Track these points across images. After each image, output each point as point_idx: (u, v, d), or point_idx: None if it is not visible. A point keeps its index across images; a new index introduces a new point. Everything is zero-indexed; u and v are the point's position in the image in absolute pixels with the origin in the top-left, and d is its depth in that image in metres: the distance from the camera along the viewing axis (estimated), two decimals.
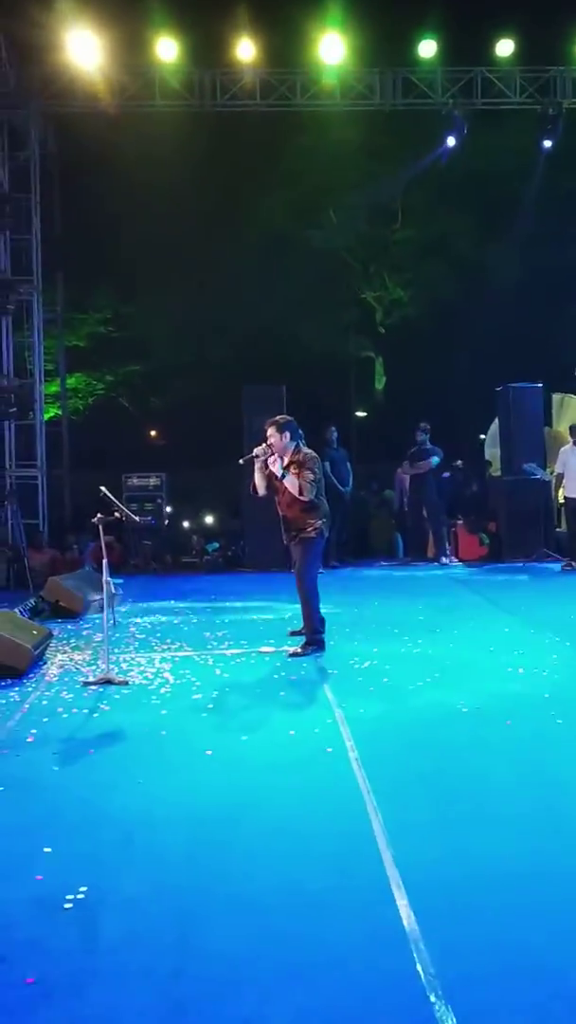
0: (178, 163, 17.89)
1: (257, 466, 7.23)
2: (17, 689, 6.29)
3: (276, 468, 7.07)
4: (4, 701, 5.99)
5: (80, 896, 3.20)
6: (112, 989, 2.66)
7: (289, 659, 6.94)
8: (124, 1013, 2.54)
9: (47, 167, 14.75)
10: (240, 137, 17.17)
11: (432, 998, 2.54)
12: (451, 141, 14.79)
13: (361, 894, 3.17)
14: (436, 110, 14.51)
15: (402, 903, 3.08)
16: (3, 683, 6.40)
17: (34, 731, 5.25)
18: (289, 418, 7.42)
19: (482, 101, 14.33)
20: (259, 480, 7.26)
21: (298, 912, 3.05)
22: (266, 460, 7.19)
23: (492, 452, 15.54)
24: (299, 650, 7.07)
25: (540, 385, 13.99)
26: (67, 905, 3.15)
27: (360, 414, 25.40)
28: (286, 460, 7.13)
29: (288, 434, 7.19)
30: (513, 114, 15.30)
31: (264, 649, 7.33)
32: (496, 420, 15.00)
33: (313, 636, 7.14)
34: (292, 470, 7.07)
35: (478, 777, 4.31)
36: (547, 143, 14.92)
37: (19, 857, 3.57)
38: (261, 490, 7.31)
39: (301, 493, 6.99)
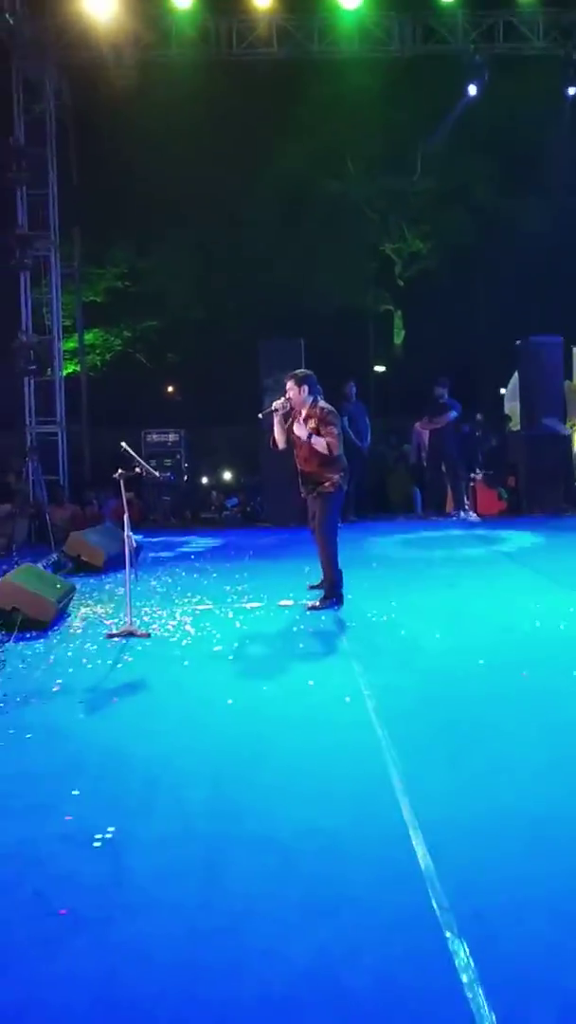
0: (195, 114, 17.69)
1: (276, 420, 7.28)
2: (43, 642, 6.44)
3: (302, 432, 7.10)
4: (30, 653, 6.13)
5: (108, 835, 3.34)
6: (140, 920, 2.80)
7: (308, 612, 7.04)
8: (151, 942, 2.67)
9: (63, 120, 14.60)
10: (257, 86, 16.90)
11: (447, 933, 2.65)
12: (473, 90, 14.52)
13: (378, 835, 3.28)
14: (457, 56, 14.23)
15: (418, 843, 3.19)
16: (29, 636, 6.54)
17: (59, 681, 5.39)
18: (308, 372, 7.46)
19: (504, 46, 14.04)
20: (278, 434, 7.31)
21: (317, 852, 3.17)
22: (285, 414, 7.24)
23: (511, 406, 15.49)
24: (318, 604, 7.17)
25: (560, 339, 13.88)
26: (96, 843, 3.29)
27: (379, 368, 25.28)
28: (304, 414, 7.18)
29: (307, 388, 7.23)
30: (536, 60, 14.98)
31: (283, 603, 7.43)
32: (516, 374, 14.92)
33: (332, 590, 7.23)
34: (311, 425, 7.11)
35: (493, 727, 4.41)
36: (572, 90, 14.60)
37: (49, 799, 3.71)
38: (281, 444, 7.36)
39: (330, 451, 7.04)
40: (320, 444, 7.04)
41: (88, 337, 20.82)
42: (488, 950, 2.56)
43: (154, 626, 6.74)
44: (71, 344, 18.16)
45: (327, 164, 21.32)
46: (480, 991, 2.39)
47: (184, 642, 6.29)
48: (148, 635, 6.43)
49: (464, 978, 2.44)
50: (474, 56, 13.97)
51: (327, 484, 7.18)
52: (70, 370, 17.93)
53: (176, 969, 2.55)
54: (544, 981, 2.44)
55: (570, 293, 18.53)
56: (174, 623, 6.86)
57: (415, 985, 2.44)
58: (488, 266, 22.01)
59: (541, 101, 17.14)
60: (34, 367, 13.62)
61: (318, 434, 7.06)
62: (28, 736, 4.49)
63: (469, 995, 2.38)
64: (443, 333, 21.83)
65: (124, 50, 13.52)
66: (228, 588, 8.25)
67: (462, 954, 2.55)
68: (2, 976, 2.56)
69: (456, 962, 2.52)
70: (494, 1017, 2.30)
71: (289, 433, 7.28)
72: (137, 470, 7.06)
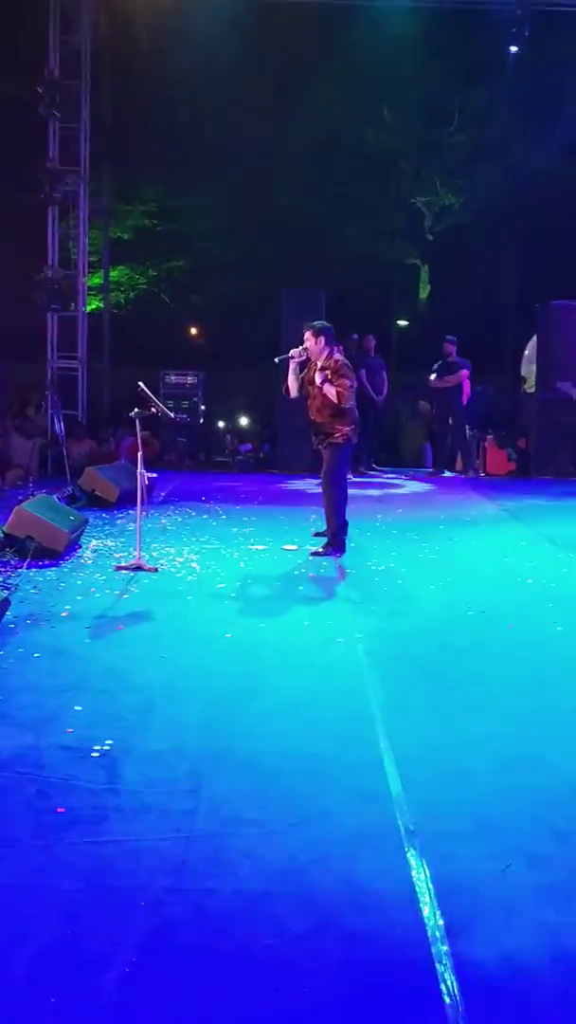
0: (231, 56, 17.47)
1: (291, 367, 7.44)
2: (54, 570, 6.71)
3: (318, 377, 7.25)
4: (42, 579, 6.40)
5: (106, 748, 3.62)
6: (131, 821, 3.08)
7: (311, 558, 7.27)
8: (140, 841, 2.95)
9: (99, 53, 14.49)
10: (295, 31, 16.69)
11: (408, 850, 2.92)
12: (513, 49, 14.36)
13: (355, 762, 3.55)
14: (498, 9, 14.05)
15: (391, 772, 3.46)
16: (42, 563, 6.81)
17: (68, 607, 5.67)
18: (327, 324, 7.59)
19: (545, 2, 13.84)
20: (292, 382, 7.48)
21: (297, 772, 3.44)
22: (301, 363, 7.39)
23: (528, 368, 15.51)
24: (320, 550, 7.40)
25: None
26: (94, 754, 3.57)
27: (402, 323, 25.19)
28: (320, 364, 7.33)
29: (324, 339, 7.37)
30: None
31: (287, 547, 7.67)
32: (535, 337, 14.94)
33: (335, 538, 7.45)
34: (327, 377, 7.26)
35: (474, 673, 4.65)
36: None
37: (53, 713, 3.99)
38: (294, 392, 7.53)
39: (340, 401, 7.20)
40: (331, 392, 7.20)
41: (113, 274, 20.84)
42: (444, 867, 2.83)
43: (162, 561, 6.99)
44: (96, 280, 18.21)
45: (362, 112, 21.06)
46: (433, 900, 2.65)
47: (189, 578, 6.55)
48: (155, 570, 6.68)
49: (419, 887, 2.71)
50: (515, 10, 13.78)
51: (337, 436, 7.36)
52: (93, 306, 18.01)
53: (162, 865, 2.83)
54: (491, 897, 2.70)
55: None
56: (181, 560, 7.11)
57: (375, 889, 2.71)
58: (519, 227, 21.80)
59: None
60: (57, 302, 13.74)
61: (332, 384, 7.22)
62: (36, 655, 4.77)
63: (423, 901, 2.64)
64: (469, 291, 21.70)
65: None
66: (235, 530, 8.49)
67: (420, 868, 2.81)
68: (5, 862, 2.85)
69: (414, 874, 2.78)
70: (443, 923, 2.56)
71: (304, 383, 7.44)
72: (153, 410, 7.25)
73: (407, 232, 24.21)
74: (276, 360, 7.77)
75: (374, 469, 13.45)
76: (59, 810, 3.14)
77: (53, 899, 2.64)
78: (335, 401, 7.20)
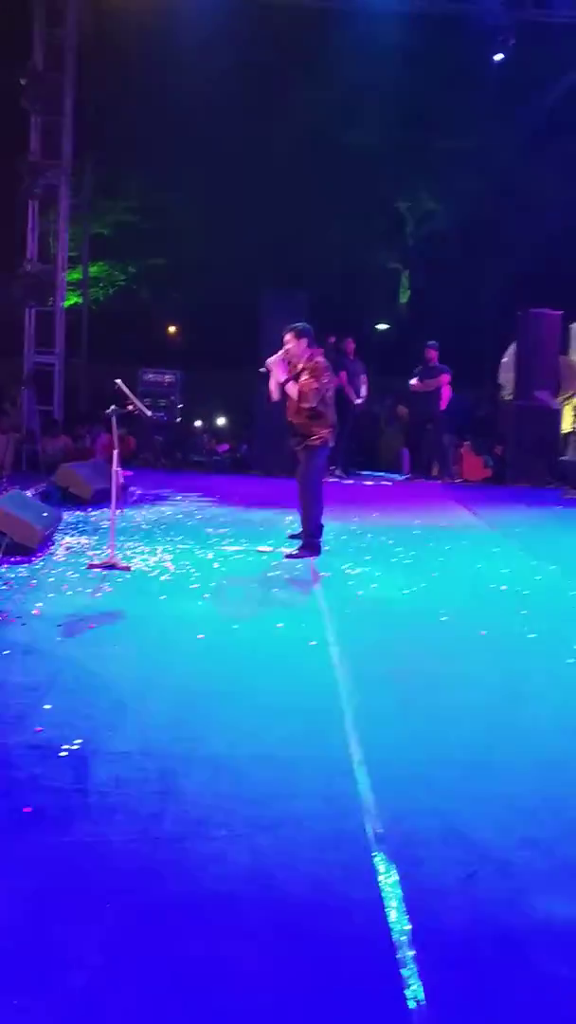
0: (217, 55, 17.47)
1: (273, 370, 7.44)
2: (26, 566, 6.66)
3: (281, 373, 7.25)
4: (14, 576, 6.36)
5: (75, 747, 3.59)
6: (98, 822, 3.05)
7: (285, 560, 7.27)
8: (107, 842, 2.93)
9: (83, 48, 14.42)
10: (282, 31, 16.73)
11: (375, 854, 2.92)
12: (498, 57, 14.45)
13: (325, 766, 3.54)
14: (483, 17, 14.13)
15: (361, 777, 3.45)
16: (14, 560, 6.76)
17: (40, 604, 5.63)
18: (307, 326, 7.59)
19: (532, 12, 13.94)
20: (273, 385, 7.48)
21: (266, 776, 3.43)
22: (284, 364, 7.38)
23: (506, 376, 15.62)
24: (295, 552, 7.40)
25: (560, 312, 13.98)
26: (63, 753, 3.54)
27: (382, 327, 25.28)
28: (300, 366, 7.33)
29: (305, 341, 7.38)
30: (562, 28, 14.88)
31: (262, 548, 7.66)
32: (514, 344, 15.03)
33: (310, 540, 7.45)
34: (303, 378, 7.26)
35: (445, 678, 4.66)
36: None
37: (22, 711, 3.96)
38: (275, 395, 7.53)
39: (301, 400, 7.19)
40: (292, 390, 7.20)
41: (92, 270, 20.77)
42: (411, 871, 2.82)
43: (135, 560, 6.96)
44: (75, 276, 18.13)
45: (347, 114, 21.12)
46: (400, 905, 2.65)
47: (163, 578, 6.52)
48: (129, 568, 6.65)
49: (386, 892, 2.71)
50: (501, 19, 13.87)
51: (315, 439, 7.36)
52: (72, 302, 17.92)
53: (128, 867, 2.81)
54: (457, 903, 2.70)
55: None
56: (155, 559, 7.09)
57: (342, 893, 2.70)
58: (500, 234, 21.91)
59: (570, 72, 17.01)
60: (36, 297, 13.66)
61: (294, 383, 7.21)
62: (6, 652, 4.73)
63: (390, 906, 2.64)
64: (449, 297, 21.80)
65: None
66: (210, 531, 8.46)
67: (387, 872, 2.81)
68: None
69: (381, 878, 2.78)
70: (409, 927, 2.56)
71: (282, 385, 7.43)
72: (130, 408, 7.22)
73: (389, 236, 24.28)
74: (261, 371, 7.71)
75: (347, 474, 13.37)
76: (26, 809, 3.11)
77: (17, 899, 2.62)
78: (295, 399, 7.20)
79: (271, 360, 7.42)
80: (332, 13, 15.41)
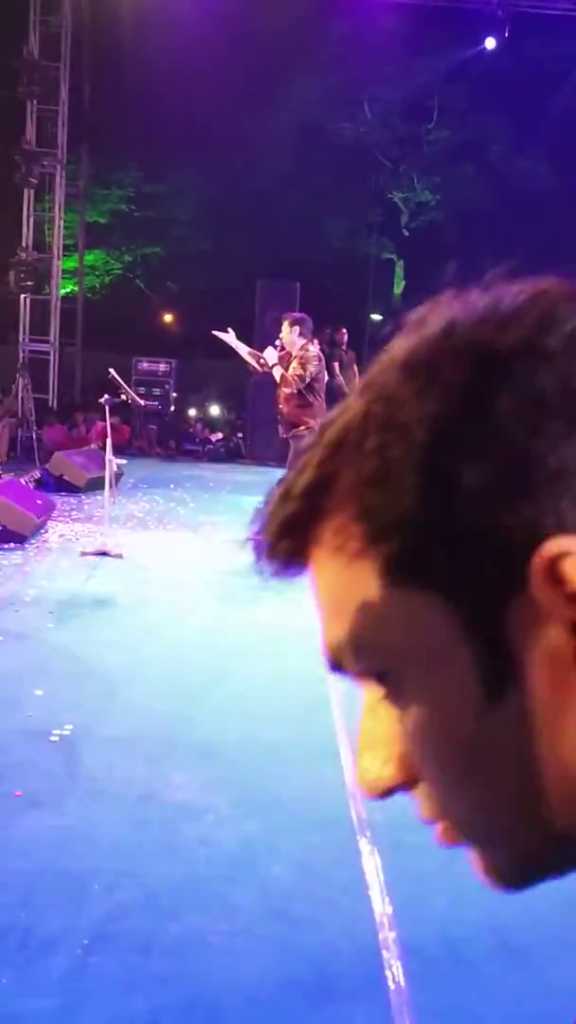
0: (214, 44, 17.41)
1: (237, 346, 7.49)
2: (20, 553, 6.69)
3: (272, 356, 7.30)
4: (7, 563, 6.39)
5: (66, 732, 3.63)
6: (87, 806, 3.10)
7: None
8: (97, 825, 2.98)
9: (79, 36, 14.38)
10: (279, 21, 16.66)
11: (360, 837, 2.97)
12: (490, 43, 14.44)
13: (311, 752, 3.60)
14: (479, 9, 14.13)
15: (347, 762, 3.50)
16: (7, 547, 6.79)
17: (33, 591, 5.67)
18: (303, 315, 7.63)
19: (527, 4, 13.94)
20: (256, 361, 7.51)
21: (254, 761, 3.49)
22: (281, 355, 7.42)
23: None
24: None
25: None
26: (53, 738, 3.58)
27: (375, 317, 25.27)
28: (293, 354, 7.36)
29: (298, 330, 7.41)
30: (558, 20, 14.88)
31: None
32: None
33: None
34: (294, 367, 7.29)
35: None
36: None
37: (13, 696, 4.00)
38: (257, 368, 7.55)
39: (282, 383, 7.23)
40: (276, 373, 7.25)
41: (88, 258, 20.73)
42: (393, 855, 2.88)
43: (128, 547, 7.00)
44: (71, 264, 18.11)
45: (343, 105, 21.08)
46: (382, 888, 2.70)
47: (155, 565, 6.56)
48: (121, 555, 6.69)
49: (369, 875, 2.77)
50: (496, 11, 13.87)
51: (303, 428, 7.39)
52: (68, 289, 17.91)
53: (117, 849, 2.86)
54: (438, 886, 2.76)
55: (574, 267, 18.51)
56: (147, 546, 7.13)
57: (326, 876, 2.76)
58: (496, 225, 21.92)
59: (565, 64, 17.01)
60: (31, 284, 13.66)
61: (280, 366, 7.26)
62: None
63: (373, 889, 2.70)
64: (444, 288, 21.79)
65: None
66: (203, 519, 8.51)
67: (370, 854, 2.87)
68: None
69: (364, 862, 2.84)
70: (390, 911, 2.61)
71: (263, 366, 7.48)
72: (123, 397, 7.26)
73: (384, 227, 24.26)
74: (260, 368, 7.71)
75: None
76: (16, 793, 3.16)
77: (7, 881, 2.66)
78: (279, 381, 7.24)
79: (268, 355, 7.46)
80: (329, 3, 15.38)
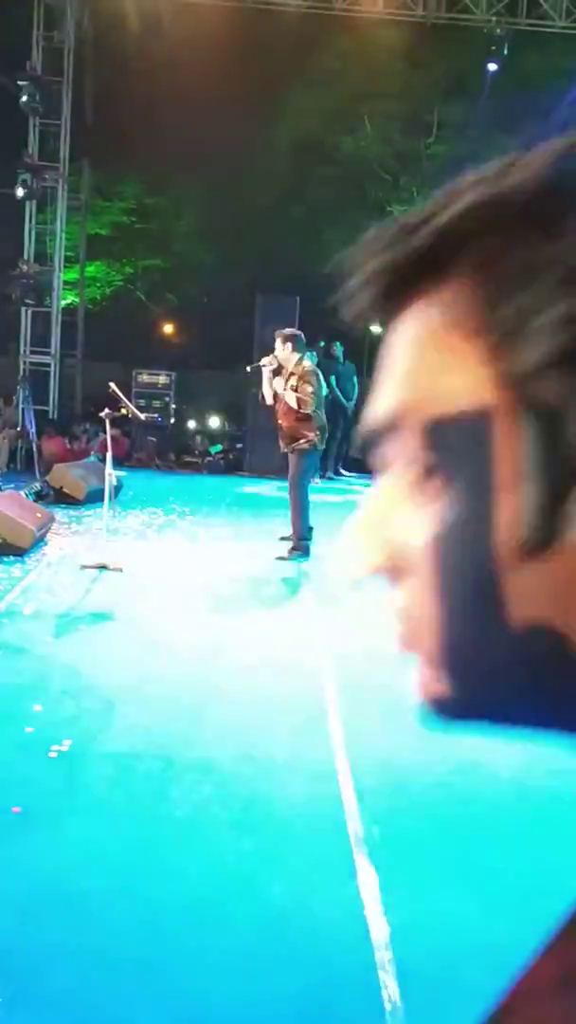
0: (215, 57, 17.52)
1: (265, 375, 7.54)
2: (19, 566, 6.70)
3: (277, 386, 7.37)
4: (6, 576, 6.40)
5: (64, 748, 3.64)
6: (88, 823, 3.11)
7: (275, 561, 7.33)
8: (98, 843, 2.98)
9: (81, 52, 14.48)
10: (279, 36, 16.79)
11: (356, 853, 2.98)
12: (492, 67, 14.56)
13: (309, 770, 3.60)
14: (479, 26, 14.23)
15: (344, 781, 3.51)
16: (6, 560, 6.80)
17: (32, 605, 5.67)
18: (297, 332, 7.67)
19: (526, 21, 14.04)
20: (266, 389, 7.57)
21: (251, 778, 3.49)
22: (274, 371, 7.48)
23: None
24: (285, 554, 7.46)
25: None
26: (52, 754, 3.59)
27: (376, 329, 25.32)
28: (288, 371, 7.41)
29: (291, 345, 7.45)
30: (557, 37, 15.00)
31: (253, 550, 7.71)
32: None
33: (299, 542, 7.51)
34: (292, 383, 7.34)
35: None
36: None
37: (11, 711, 4.00)
38: (268, 399, 7.63)
39: (300, 407, 7.28)
40: (291, 398, 7.30)
41: (89, 269, 20.81)
42: (391, 874, 2.89)
43: (127, 560, 7.01)
44: (72, 275, 18.16)
45: (343, 120, 21.20)
46: (379, 907, 2.71)
47: (154, 578, 6.57)
48: (120, 569, 6.70)
49: (366, 894, 2.77)
50: (495, 28, 13.96)
51: (303, 441, 7.43)
52: (68, 301, 17.96)
53: (118, 869, 2.86)
54: (435, 906, 2.76)
55: None
56: (147, 559, 7.13)
57: (323, 894, 2.76)
58: None
59: (563, 81, 17.10)
60: (32, 297, 13.71)
61: (295, 391, 7.32)
62: None
63: (369, 907, 2.70)
64: None
65: None
66: (202, 532, 8.52)
67: (367, 870, 2.87)
68: None
69: (361, 880, 2.84)
70: (388, 929, 2.62)
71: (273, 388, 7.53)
72: (123, 411, 7.28)
73: None
74: (248, 369, 7.84)
75: (340, 474, 13.56)
76: (15, 810, 3.16)
77: (5, 899, 2.67)
78: (294, 407, 7.30)
79: (263, 360, 7.52)
80: (330, 18, 15.48)
